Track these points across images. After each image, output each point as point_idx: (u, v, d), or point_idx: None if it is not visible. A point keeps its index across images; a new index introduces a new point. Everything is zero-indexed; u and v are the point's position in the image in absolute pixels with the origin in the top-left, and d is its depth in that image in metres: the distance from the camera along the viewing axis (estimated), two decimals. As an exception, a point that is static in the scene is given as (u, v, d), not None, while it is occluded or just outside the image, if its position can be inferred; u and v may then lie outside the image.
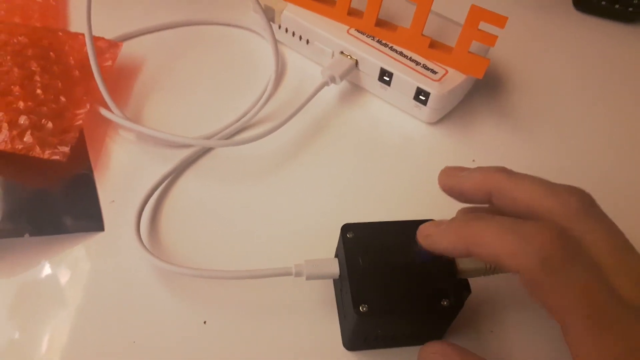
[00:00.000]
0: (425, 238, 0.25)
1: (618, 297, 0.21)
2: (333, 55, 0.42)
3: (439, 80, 0.38)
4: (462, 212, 0.30)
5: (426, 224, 0.26)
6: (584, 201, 0.24)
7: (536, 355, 0.30)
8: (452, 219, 0.25)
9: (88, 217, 0.34)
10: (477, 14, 0.35)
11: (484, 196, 0.26)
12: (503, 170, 0.26)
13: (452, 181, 0.27)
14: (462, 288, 0.27)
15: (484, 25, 0.36)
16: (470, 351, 0.25)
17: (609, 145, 0.40)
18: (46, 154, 0.35)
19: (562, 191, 0.24)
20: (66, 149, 0.35)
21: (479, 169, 0.26)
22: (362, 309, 0.26)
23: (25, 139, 0.35)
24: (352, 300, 0.26)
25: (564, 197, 0.24)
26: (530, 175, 0.25)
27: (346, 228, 0.29)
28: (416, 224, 0.29)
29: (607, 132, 0.41)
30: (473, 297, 0.27)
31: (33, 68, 0.38)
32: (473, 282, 0.27)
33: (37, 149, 0.35)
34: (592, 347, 0.21)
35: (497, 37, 0.36)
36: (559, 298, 0.21)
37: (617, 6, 0.49)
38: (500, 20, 0.35)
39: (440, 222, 0.25)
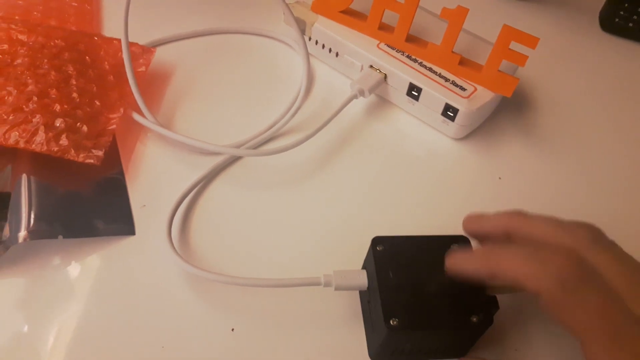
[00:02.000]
0: (453, 264, 0.27)
1: (633, 317, 0.23)
2: (362, 68, 0.42)
3: (468, 97, 0.38)
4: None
5: (454, 251, 0.27)
6: (593, 233, 0.26)
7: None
8: (477, 248, 0.27)
9: (119, 221, 0.35)
10: (508, 33, 0.36)
11: (503, 236, 0.28)
12: (520, 212, 0.28)
13: (475, 225, 0.30)
14: (490, 304, 0.27)
15: (514, 45, 0.36)
16: None
17: (634, 166, 0.41)
18: (81, 157, 0.35)
19: (572, 227, 0.26)
20: (100, 153, 0.36)
21: (498, 213, 0.29)
22: (393, 322, 0.26)
23: (61, 142, 0.35)
24: (383, 313, 0.26)
25: (574, 232, 0.26)
26: (543, 215, 0.27)
27: (377, 241, 0.29)
28: (445, 239, 0.29)
29: (632, 152, 0.42)
30: (498, 313, 0.27)
31: (69, 71, 0.39)
32: (498, 298, 0.28)
33: (72, 151, 0.35)
34: None
35: (527, 57, 0.36)
36: (577, 317, 0.23)
37: (643, 28, 0.49)
38: (531, 41, 0.35)
39: (467, 250, 0.27)
